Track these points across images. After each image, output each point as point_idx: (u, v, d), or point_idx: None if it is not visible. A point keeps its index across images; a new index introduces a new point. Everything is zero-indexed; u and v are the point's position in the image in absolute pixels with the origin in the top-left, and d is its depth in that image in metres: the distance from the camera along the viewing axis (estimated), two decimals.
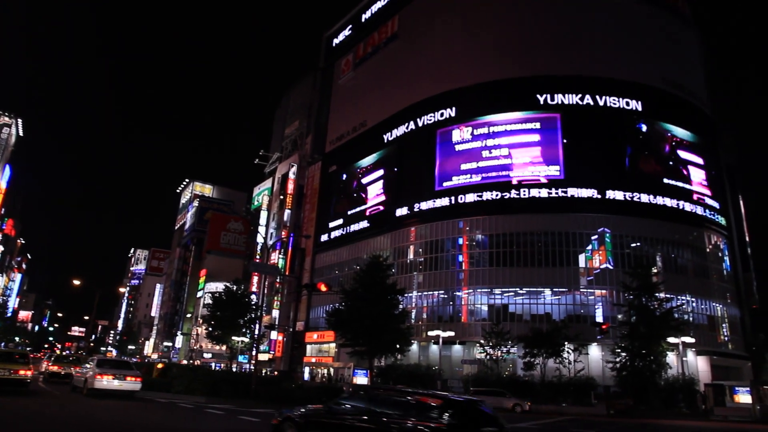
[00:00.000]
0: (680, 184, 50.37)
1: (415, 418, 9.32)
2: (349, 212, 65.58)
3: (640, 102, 51.61)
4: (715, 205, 52.81)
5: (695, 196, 50.83)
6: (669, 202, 48.80)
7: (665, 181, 49.80)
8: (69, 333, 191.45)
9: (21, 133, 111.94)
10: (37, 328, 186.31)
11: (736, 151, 62.86)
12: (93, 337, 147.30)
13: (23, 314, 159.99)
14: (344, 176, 69.02)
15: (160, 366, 36.40)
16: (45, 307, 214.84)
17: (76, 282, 66.41)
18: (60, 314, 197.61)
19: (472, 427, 9.34)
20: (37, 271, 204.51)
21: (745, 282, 54.47)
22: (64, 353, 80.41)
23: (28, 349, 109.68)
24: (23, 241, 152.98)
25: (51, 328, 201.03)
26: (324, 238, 68.49)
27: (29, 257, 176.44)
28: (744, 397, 35.04)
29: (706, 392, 37.13)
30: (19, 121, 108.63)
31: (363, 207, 63.56)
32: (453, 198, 52.59)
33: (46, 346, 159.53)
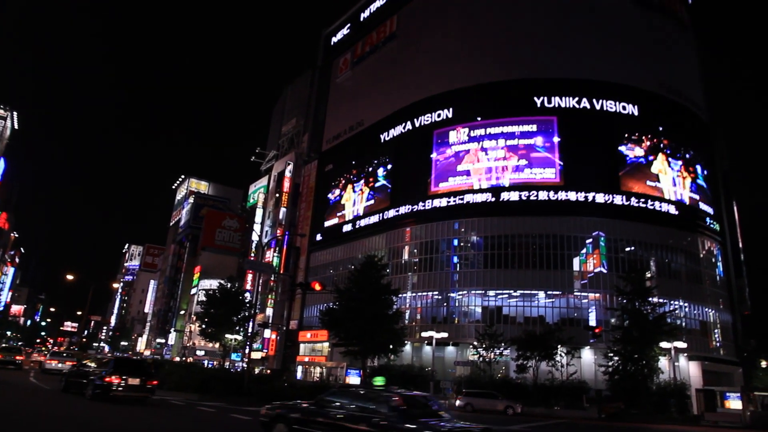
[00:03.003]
0: (676, 189, 50.53)
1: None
2: (343, 212, 65.49)
3: (636, 106, 51.76)
4: (710, 210, 53.00)
5: (690, 202, 51.00)
6: (664, 207, 48.91)
7: (660, 185, 49.94)
8: (62, 328, 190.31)
9: (16, 126, 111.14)
10: (29, 322, 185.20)
11: (731, 156, 63.18)
12: (86, 332, 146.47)
13: (15, 308, 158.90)
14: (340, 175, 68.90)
15: (150, 362, 36.40)
16: (38, 301, 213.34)
17: (70, 277, 66.17)
18: (53, 309, 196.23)
19: (124, 369, 19.43)
20: (31, 265, 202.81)
21: (738, 288, 54.63)
22: (54, 348, 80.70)
23: (20, 344, 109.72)
24: (16, 235, 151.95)
25: (43, 323, 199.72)
26: (319, 237, 68.39)
27: (22, 251, 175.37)
28: (735, 403, 35.13)
29: (698, 397, 37.27)
30: (15, 113, 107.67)
31: (358, 206, 63.46)
32: (449, 199, 52.57)
33: (38, 340, 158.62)
